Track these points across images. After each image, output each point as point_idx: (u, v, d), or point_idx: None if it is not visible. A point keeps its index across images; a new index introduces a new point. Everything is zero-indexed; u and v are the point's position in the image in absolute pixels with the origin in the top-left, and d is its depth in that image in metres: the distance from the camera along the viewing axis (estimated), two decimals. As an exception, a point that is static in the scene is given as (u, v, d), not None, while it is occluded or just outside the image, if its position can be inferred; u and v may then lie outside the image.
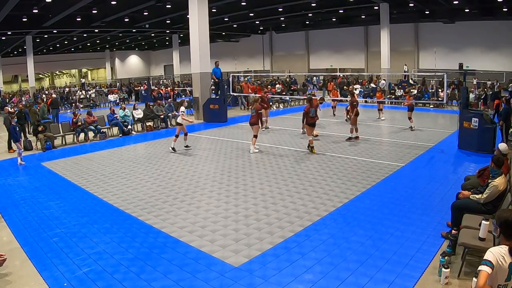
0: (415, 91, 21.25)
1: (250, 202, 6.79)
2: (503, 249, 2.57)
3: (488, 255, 2.56)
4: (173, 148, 11.09)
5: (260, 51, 42.06)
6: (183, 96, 28.80)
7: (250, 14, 28.80)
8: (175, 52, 39.06)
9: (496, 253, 2.56)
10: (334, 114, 17.36)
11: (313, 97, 11.23)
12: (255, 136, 10.66)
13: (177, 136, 11.12)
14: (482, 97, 18.13)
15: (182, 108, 11.40)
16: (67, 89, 36.55)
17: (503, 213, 2.75)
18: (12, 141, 11.63)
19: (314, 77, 32.70)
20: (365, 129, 13.97)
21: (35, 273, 4.62)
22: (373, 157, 9.76)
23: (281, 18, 33.05)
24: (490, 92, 18.88)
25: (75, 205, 7.00)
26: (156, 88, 28.06)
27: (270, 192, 7.30)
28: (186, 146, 11.41)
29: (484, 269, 2.55)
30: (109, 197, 7.32)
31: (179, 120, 11.21)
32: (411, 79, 26.01)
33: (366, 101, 21.43)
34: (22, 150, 10.94)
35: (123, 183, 8.25)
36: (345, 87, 21.38)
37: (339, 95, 19.56)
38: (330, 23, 34.63)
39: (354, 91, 17.22)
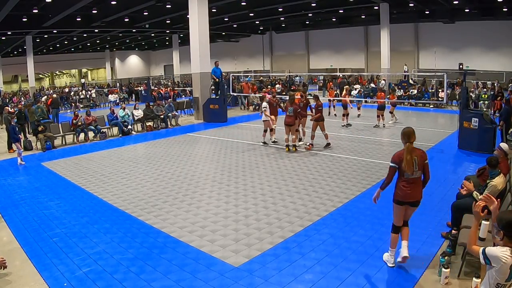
0: (415, 91, 21.28)
1: (250, 202, 6.79)
2: (502, 249, 2.57)
3: (494, 256, 2.56)
4: (264, 142, 11.58)
5: (260, 51, 42.05)
6: (183, 96, 28.80)
7: (250, 14, 28.80)
8: (175, 52, 39.06)
9: (501, 255, 2.55)
10: (335, 114, 17.31)
11: (296, 97, 11.25)
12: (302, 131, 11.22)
13: (265, 131, 11.53)
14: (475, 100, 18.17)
15: (264, 104, 11.46)
16: (66, 89, 36.55)
17: (505, 215, 2.71)
18: (11, 141, 11.63)
19: (298, 77, 32.53)
20: (365, 129, 13.99)
21: (35, 273, 4.62)
22: (373, 157, 9.76)
23: (281, 18, 33.04)
24: (492, 93, 18.89)
25: (75, 205, 7.01)
26: (156, 88, 28.06)
27: (270, 192, 7.30)
28: (274, 142, 11.61)
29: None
30: (109, 197, 7.33)
31: (263, 117, 11.39)
32: (411, 79, 26.01)
33: (366, 101, 21.41)
34: (22, 150, 10.95)
35: (123, 183, 8.25)
36: (345, 87, 21.37)
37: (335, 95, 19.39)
38: (330, 23, 34.62)
39: (354, 91, 17.18)
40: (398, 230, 4.56)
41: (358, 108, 17.37)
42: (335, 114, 17.34)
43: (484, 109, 16.12)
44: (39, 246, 5.35)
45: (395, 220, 4.57)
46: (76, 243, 5.41)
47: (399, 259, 4.46)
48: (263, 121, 11.48)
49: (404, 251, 4.40)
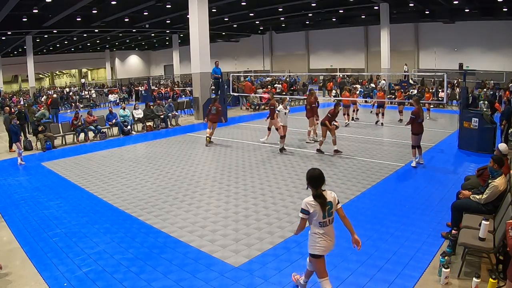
0: (415, 91, 21.26)
1: (250, 202, 6.79)
2: (309, 198, 3.57)
3: (303, 206, 3.57)
4: (281, 149, 10.54)
5: (260, 51, 42.05)
6: (183, 96, 28.80)
7: (250, 14, 28.81)
8: (175, 52, 39.07)
9: (308, 203, 3.54)
10: (358, 118, 16.09)
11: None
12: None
13: (282, 137, 10.49)
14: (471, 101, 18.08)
15: (280, 107, 10.59)
16: (67, 89, 36.55)
17: (309, 170, 3.68)
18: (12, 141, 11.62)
19: (296, 77, 32.37)
20: (365, 129, 13.99)
21: (35, 273, 4.62)
22: (373, 157, 9.76)
23: (281, 18, 33.04)
24: (491, 92, 18.89)
25: (75, 205, 7.00)
26: (156, 88, 28.07)
27: (270, 192, 7.29)
28: (283, 149, 10.55)
29: (302, 216, 3.60)
30: (109, 197, 7.33)
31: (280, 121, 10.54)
32: (411, 79, 26.00)
33: (366, 101, 21.41)
34: (22, 150, 10.94)
35: (123, 183, 8.25)
36: (345, 87, 21.32)
37: (357, 96, 18.97)
38: (330, 23, 34.63)
39: (356, 92, 17.16)
40: (415, 147, 8.85)
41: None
42: (353, 118, 15.87)
43: (484, 109, 16.11)
44: (39, 246, 5.35)
45: (414, 143, 8.85)
46: (76, 243, 5.41)
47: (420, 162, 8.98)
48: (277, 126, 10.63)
49: (420, 159, 9.05)
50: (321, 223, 3.56)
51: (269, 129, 11.51)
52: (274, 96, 18.98)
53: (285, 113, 10.65)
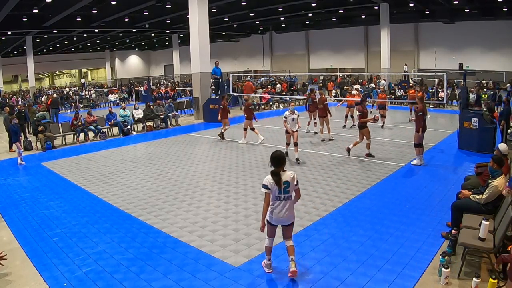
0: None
1: (250, 202, 6.79)
2: (269, 175, 4.22)
3: (264, 182, 4.24)
4: (296, 159, 9.59)
5: (260, 51, 42.05)
6: (183, 96, 28.79)
7: (250, 14, 28.80)
8: (175, 52, 39.06)
9: (267, 179, 4.22)
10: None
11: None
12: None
13: (288, 144, 9.87)
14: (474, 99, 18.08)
15: (286, 112, 9.56)
16: (67, 89, 36.55)
17: (273, 152, 4.37)
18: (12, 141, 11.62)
19: (294, 77, 32.18)
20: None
21: (35, 273, 4.62)
22: (373, 157, 9.75)
23: (281, 18, 33.04)
24: (491, 93, 18.89)
25: (75, 205, 7.00)
26: (156, 88, 28.08)
27: (270, 192, 7.28)
28: (297, 159, 9.52)
29: (264, 191, 4.22)
30: (109, 197, 7.32)
31: (294, 128, 9.57)
32: (411, 79, 26.00)
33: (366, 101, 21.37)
34: (22, 150, 10.94)
35: (123, 183, 8.25)
36: (345, 87, 21.34)
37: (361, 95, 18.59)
38: (330, 23, 34.63)
39: (355, 91, 17.11)
40: (418, 146, 8.80)
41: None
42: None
43: (484, 109, 16.10)
44: (39, 246, 5.35)
45: (420, 140, 8.71)
46: (76, 243, 5.41)
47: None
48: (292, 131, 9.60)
49: (422, 160, 8.96)
50: (276, 197, 4.21)
51: (246, 129, 12.11)
52: (274, 96, 18.98)
53: (293, 118, 9.49)
